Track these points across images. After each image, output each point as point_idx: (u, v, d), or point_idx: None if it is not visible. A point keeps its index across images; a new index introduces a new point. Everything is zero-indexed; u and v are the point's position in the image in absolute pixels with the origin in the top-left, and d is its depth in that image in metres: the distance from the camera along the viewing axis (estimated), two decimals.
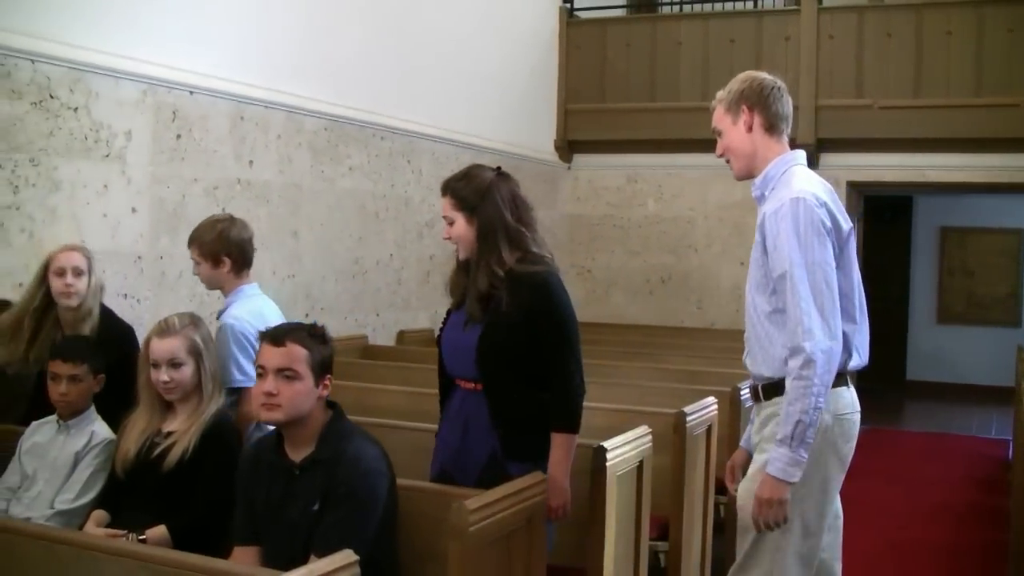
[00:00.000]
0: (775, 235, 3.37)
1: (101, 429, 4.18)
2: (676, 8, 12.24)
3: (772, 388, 3.50)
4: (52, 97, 5.93)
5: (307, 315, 7.52)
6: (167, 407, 3.98)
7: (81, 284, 4.68)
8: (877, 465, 9.27)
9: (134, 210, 6.48)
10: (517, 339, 3.70)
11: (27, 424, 4.30)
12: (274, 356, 3.41)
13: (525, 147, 11.25)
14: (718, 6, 11.88)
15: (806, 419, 3.26)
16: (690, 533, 5.02)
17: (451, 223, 3.88)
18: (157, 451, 3.84)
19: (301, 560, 3.08)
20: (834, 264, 3.36)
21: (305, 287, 7.84)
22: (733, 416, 5.64)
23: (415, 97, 9.23)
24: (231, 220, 4.66)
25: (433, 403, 5.65)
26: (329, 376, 3.48)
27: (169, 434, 3.89)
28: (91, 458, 4.09)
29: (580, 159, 12.10)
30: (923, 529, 7.36)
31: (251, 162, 7.38)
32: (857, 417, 3.55)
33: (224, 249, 4.53)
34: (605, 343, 9.26)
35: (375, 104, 8.67)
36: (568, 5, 12.05)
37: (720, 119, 3.66)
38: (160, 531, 3.67)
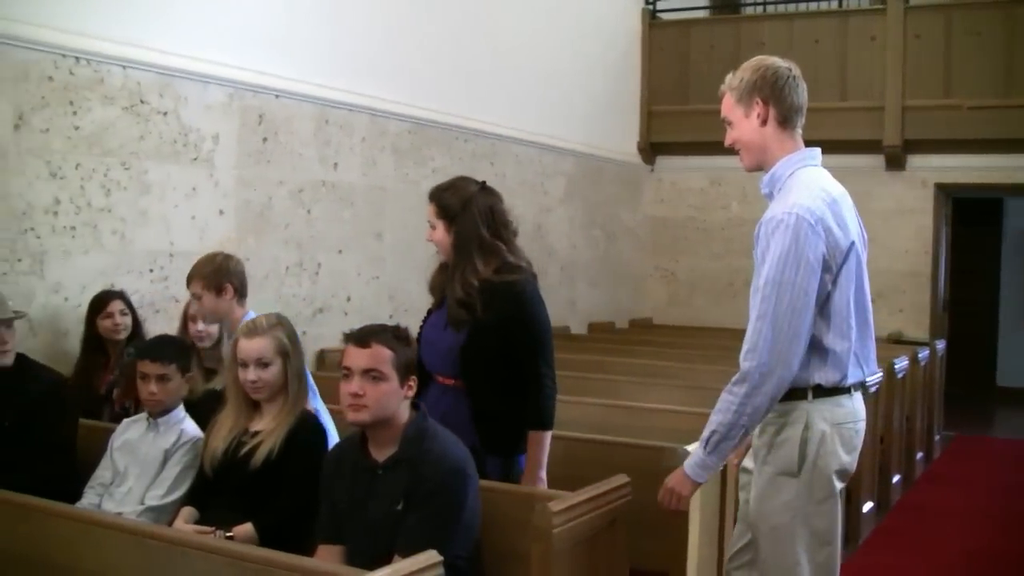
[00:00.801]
0: (764, 248, 3.25)
1: (190, 427, 4.25)
2: (759, 8, 12.12)
3: None
4: (143, 102, 6.04)
5: (391, 316, 7.57)
6: (254, 407, 4.01)
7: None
8: (962, 473, 9.10)
9: (221, 212, 6.57)
10: (494, 344, 3.95)
11: None
12: (360, 357, 3.43)
13: (607, 149, 11.22)
14: (802, 6, 11.75)
15: (722, 431, 3.24)
16: None
17: (433, 228, 4.15)
18: (244, 450, 3.88)
19: (384, 559, 3.09)
20: (812, 291, 3.18)
21: (389, 288, 7.88)
22: None
23: (498, 99, 9.25)
24: (226, 255, 4.88)
25: None
26: (413, 377, 3.49)
27: (256, 433, 3.92)
28: (180, 456, 4.15)
29: (663, 161, 12.04)
30: (1004, 538, 7.19)
31: (336, 164, 7.45)
32: (860, 426, 3.42)
33: (226, 278, 4.68)
34: (685, 346, 9.20)
35: (458, 106, 8.70)
36: (650, 6, 11.99)
37: (730, 110, 3.46)
38: (247, 528, 3.71)
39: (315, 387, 4.56)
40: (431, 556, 2.82)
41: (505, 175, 9.39)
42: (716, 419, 3.27)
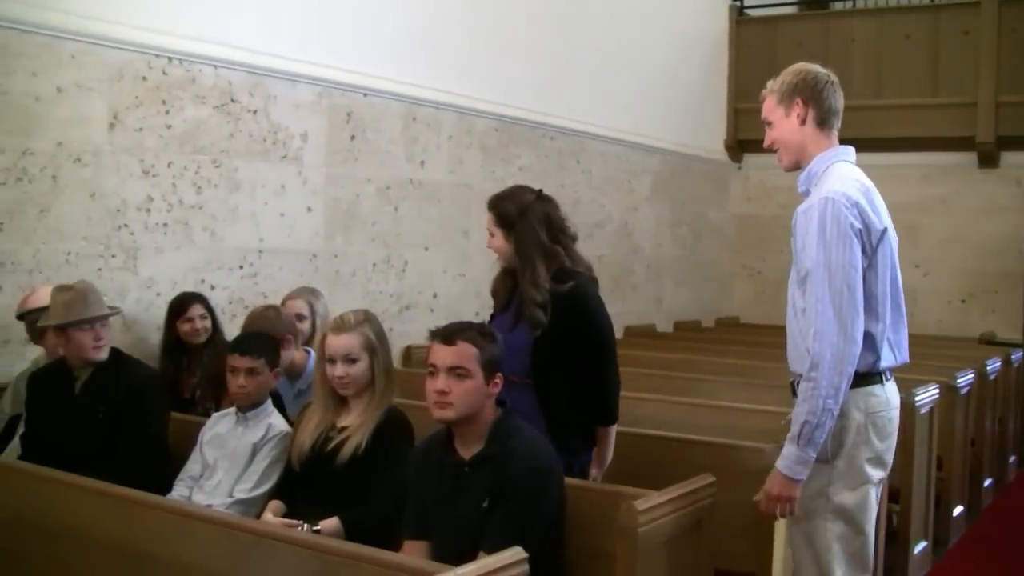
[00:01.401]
0: (804, 235, 3.36)
1: (278, 422, 4.28)
2: (849, 4, 11.95)
3: None
4: (233, 101, 6.12)
5: (476, 314, 7.58)
6: (341, 402, 4.04)
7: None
8: None
9: (309, 209, 6.63)
10: (562, 346, 4.02)
11: None
12: (445, 355, 3.43)
13: (694, 146, 11.14)
14: (892, 1, 11.57)
15: (813, 420, 3.28)
16: None
17: (492, 235, 4.29)
18: (331, 445, 3.90)
19: (470, 556, 3.09)
20: (859, 266, 3.30)
21: (475, 286, 7.91)
22: (908, 421, 5.48)
23: (584, 97, 9.23)
24: (275, 307, 5.18)
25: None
26: (499, 374, 3.48)
27: (343, 429, 3.94)
28: (268, 450, 4.19)
29: (750, 159, 11.92)
30: None
31: (423, 162, 7.48)
32: (895, 414, 3.50)
33: (287, 329, 4.91)
34: (772, 345, 9.06)
35: (544, 104, 8.69)
36: (738, 3, 11.88)
37: (771, 110, 3.60)
38: (333, 523, 3.73)
39: None
40: (516, 553, 2.81)
41: (591, 172, 9.36)
42: (802, 410, 3.30)
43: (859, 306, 3.27)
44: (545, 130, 8.75)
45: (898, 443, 5.33)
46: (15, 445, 4.65)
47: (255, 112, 6.25)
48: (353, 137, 6.93)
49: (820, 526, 3.41)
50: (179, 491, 4.23)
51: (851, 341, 3.26)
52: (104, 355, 4.49)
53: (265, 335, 4.59)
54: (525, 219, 4.16)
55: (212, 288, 5.97)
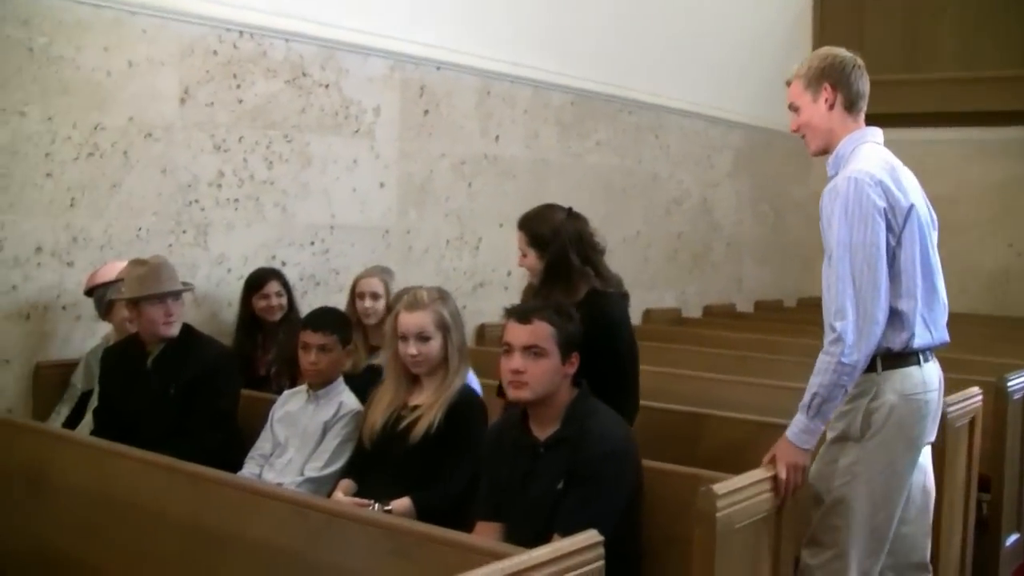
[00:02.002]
0: (828, 215, 3.41)
1: (349, 400, 4.31)
2: None
3: None
4: (304, 75, 6.15)
5: None
6: (414, 381, 4.05)
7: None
8: None
9: (382, 185, 6.66)
10: (587, 357, 3.93)
11: None
12: (521, 333, 3.43)
13: (776, 121, 10.99)
14: None
15: (823, 392, 3.34)
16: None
17: (524, 255, 4.27)
18: (403, 424, 3.92)
19: (544, 539, 3.09)
20: (882, 245, 3.35)
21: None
22: (999, 407, 5.38)
23: (662, 71, 9.15)
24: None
25: (681, 384, 5.66)
26: (575, 353, 3.47)
27: (415, 408, 3.95)
28: (339, 428, 4.22)
29: None
30: None
31: (497, 137, 7.47)
32: (932, 395, 3.54)
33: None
34: None
35: (622, 78, 8.63)
36: None
37: (799, 95, 3.66)
38: (405, 503, 3.75)
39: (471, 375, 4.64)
40: (591, 536, 2.80)
41: (670, 147, 9.29)
42: (816, 381, 3.37)
43: (880, 285, 3.33)
44: (622, 104, 8.69)
45: (988, 430, 5.28)
46: (87, 421, 4.73)
47: (327, 86, 6.27)
48: (426, 111, 6.94)
49: (842, 500, 3.49)
50: (249, 469, 4.28)
51: (871, 320, 3.32)
52: (174, 331, 4.55)
53: (337, 311, 4.62)
54: (558, 239, 4.20)
55: (283, 264, 6.02)
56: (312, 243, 6.25)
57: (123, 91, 5.31)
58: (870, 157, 3.47)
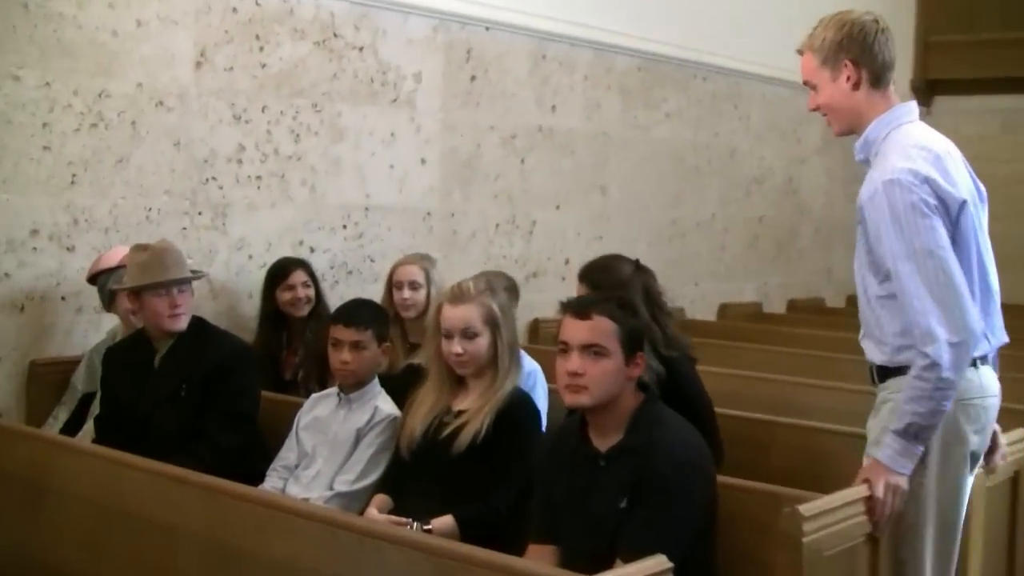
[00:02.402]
0: (876, 225, 3.36)
1: (385, 404, 4.31)
2: None
3: (885, 372, 3.51)
4: (336, 36, 6.17)
5: None
6: (458, 382, 4.06)
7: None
8: None
9: (423, 161, 6.67)
10: None
11: None
12: (579, 331, 3.41)
13: None
14: None
15: (922, 420, 3.28)
16: None
17: None
18: (446, 431, 3.92)
19: (605, 560, 3.08)
20: (947, 244, 3.28)
21: (613, 249, 7.82)
22: None
23: (742, 31, 9.08)
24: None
25: (759, 388, 5.63)
26: (641, 353, 3.46)
27: (460, 413, 3.95)
28: (374, 436, 4.22)
29: (942, 102, 11.62)
30: None
31: (554, 107, 7.47)
32: (990, 401, 3.50)
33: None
34: None
35: (696, 40, 8.59)
36: None
37: (814, 72, 3.56)
38: (447, 521, 3.75)
39: (536, 367, 4.64)
40: (660, 562, 2.79)
41: (750, 119, 9.25)
42: (912, 408, 3.28)
43: (962, 289, 3.26)
44: (696, 69, 8.65)
45: None
46: (89, 428, 4.76)
47: (361, 49, 6.29)
48: (474, 78, 6.94)
49: (913, 530, 3.42)
50: (272, 482, 4.30)
51: (967, 331, 3.24)
52: (181, 325, 4.56)
53: (372, 304, 4.63)
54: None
55: (312, 251, 6.05)
56: (344, 227, 6.28)
57: (131, 54, 5.35)
58: (908, 148, 3.38)
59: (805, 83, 3.61)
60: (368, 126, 6.36)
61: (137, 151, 5.39)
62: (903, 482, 3.36)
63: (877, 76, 3.48)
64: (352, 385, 4.33)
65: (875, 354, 3.53)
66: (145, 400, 4.51)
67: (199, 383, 4.48)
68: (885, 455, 3.35)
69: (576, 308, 3.46)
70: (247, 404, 4.60)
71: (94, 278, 5.08)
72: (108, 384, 4.68)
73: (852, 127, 3.57)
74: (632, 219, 8.11)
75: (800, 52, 3.61)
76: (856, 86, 3.49)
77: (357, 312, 4.41)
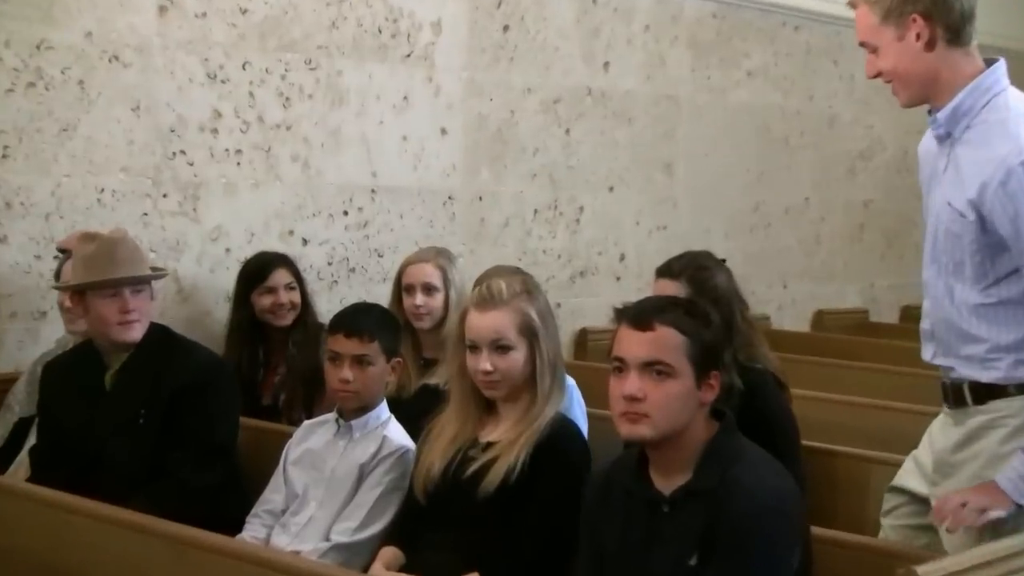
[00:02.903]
0: (1013, 215, 3.38)
1: (395, 433, 4.30)
2: None
3: (990, 391, 3.55)
4: None
5: None
6: (487, 408, 4.04)
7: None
8: None
9: (444, 132, 6.67)
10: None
11: None
12: (638, 344, 3.37)
13: (1015, 38, 10.86)
14: None
15: None
16: None
17: None
18: (472, 468, 3.89)
19: None
20: None
21: (680, 242, 7.82)
22: None
23: None
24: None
25: (864, 418, 5.60)
26: (716, 372, 3.43)
27: (489, 446, 3.93)
28: (381, 473, 4.20)
29: None
30: None
31: (606, 65, 7.47)
32: None
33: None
34: None
35: None
36: None
37: (872, 32, 3.55)
38: None
39: (571, 382, 4.60)
40: None
41: (854, 79, 9.19)
42: None
43: None
44: (786, 16, 8.63)
45: None
46: (24, 459, 4.75)
47: None
48: (506, 27, 6.95)
49: None
50: (254, 530, 4.29)
51: None
52: (133, 335, 4.54)
53: (380, 309, 4.62)
54: (722, 297, 4.40)
55: (305, 243, 6.06)
56: (345, 213, 6.29)
57: None
58: None
59: (862, 44, 3.59)
60: (375, 88, 6.36)
61: (87, 118, 5.41)
62: (1006, 509, 3.43)
63: (955, 30, 3.48)
64: (354, 410, 4.32)
65: (976, 371, 3.55)
66: (95, 427, 4.49)
67: (162, 407, 4.46)
68: (1006, 479, 3.40)
69: (635, 316, 3.43)
70: (222, 433, 4.59)
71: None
72: (47, 407, 4.68)
73: (926, 96, 3.59)
74: (704, 204, 8.09)
75: (852, 5, 3.59)
76: (930, 44, 3.47)
77: (361, 319, 4.39)
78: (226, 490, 4.49)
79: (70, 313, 4.84)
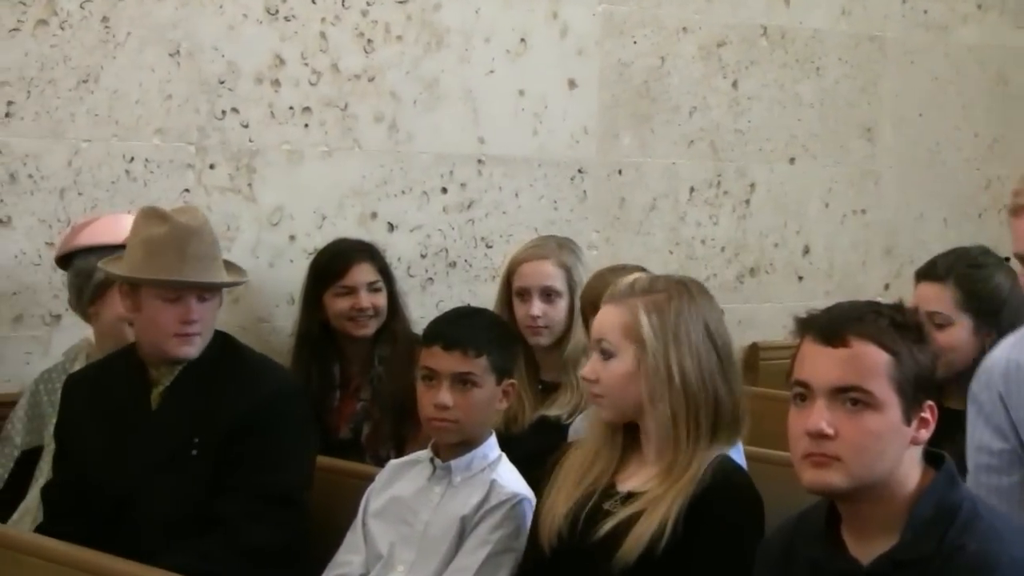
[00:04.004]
0: None
1: (507, 478, 4.30)
2: None
3: None
4: None
5: (886, 288, 7.52)
6: (630, 443, 4.05)
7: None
8: None
9: (572, 84, 6.70)
10: None
11: None
12: (828, 365, 3.31)
13: None
14: None
15: None
16: None
17: (940, 327, 4.60)
18: (607, 525, 3.88)
19: None
20: None
21: (885, 230, 7.83)
22: None
23: None
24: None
25: None
26: (930, 404, 3.41)
27: (631, 496, 3.95)
28: (488, 530, 4.20)
29: None
30: None
31: None
32: None
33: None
34: None
35: None
36: None
37: None
38: None
39: None
40: None
41: None
42: None
43: None
44: None
45: None
46: (33, 504, 4.80)
47: None
48: None
49: None
50: None
51: None
52: (192, 351, 4.57)
53: (490, 315, 4.63)
54: (1006, 306, 4.50)
55: (391, 229, 6.10)
56: (444, 191, 6.32)
57: None
58: None
59: None
60: (483, 27, 6.40)
61: (111, 65, 5.47)
62: None
63: None
64: (454, 446, 4.34)
65: None
66: (130, 460, 4.51)
67: (220, 439, 4.49)
68: None
69: (823, 328, 3.38)
70: (292, 479, 4.60)
71: (67, 259, 5.09)
72: (68, 433, 4.69)
73: None
74: (916, 180, 8.04)
75: None
76: None
77: (464, 327, 4.40)
78: (293, 547, 4.51)
79: (117, 319, 4.87)
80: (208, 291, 4.55)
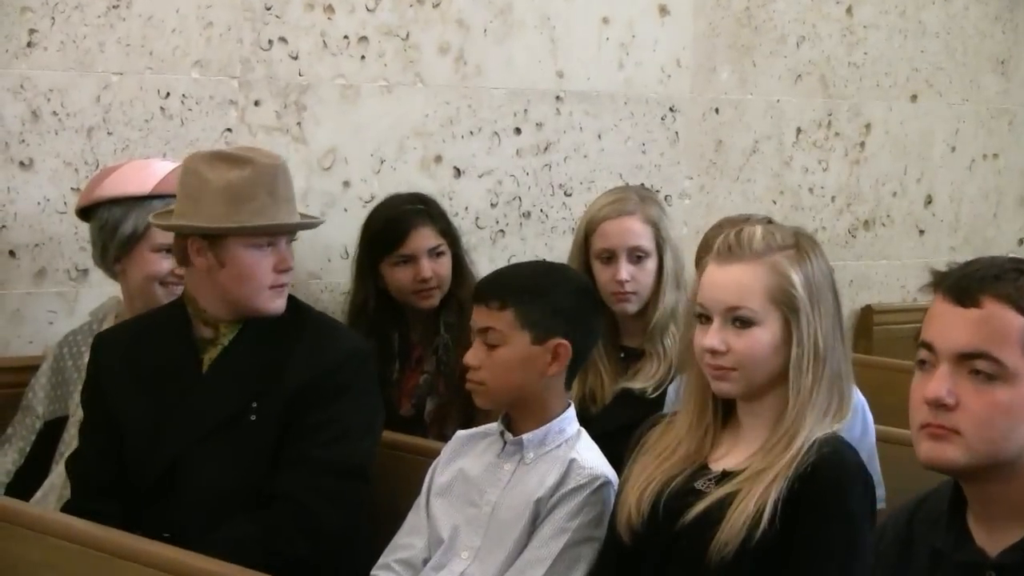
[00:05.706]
0: None
1: (588, 456, 4.30)
2: None
3: None
4: None
5: (1020, 242, 7.48)
6: (725, 416, 4.05)
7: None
8: None
9: (664, 11, 6.68)
10: None
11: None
12: (957, 327, 3.28)
13: None
14: None
15: None
16: None
17: None
18: (700, 506, 3.88)
19: None
20: None
21: (1020, 177, 7.79)
22: None
23: None
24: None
25: None
26: None
27: (726, 476, 3.95)
28: (566, 516, 4.20)
29: None
30: None
31: None
32: None
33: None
34: None
35: None
36: None
37: None
38: None
39: (860, 399, 4.57)
40: None
41: None
42: None
43: None
44: None
45: None
46: (57, 481, 4.82)
47: None
48: None
49: None
50: None
51: None
52: (283, 304, 4.62)
53: (564, 270, 4.60)
54: None
55: (458, 174, 6.10)
56: (518, 131, 6.31)
57: None
58: None
59: None
60: None
61: None
62: None
63: None
64: (521, 417, 4.34)
65: None
66: (175, 427, 4.53)
67: (283, 405, 4.51)
68: None
69: (955, 285, 3.35)
70: (362, 450, 4.63)
71: (90, 210, 5.11)
72: (98, 399, 4.70)
73: None
74: None
75: None
76: None
77: (500, 279, 4.45)
78: (354, 526, 4.54)
79: (150, 277, 4.88)
80: (291, 231, 4.62)
